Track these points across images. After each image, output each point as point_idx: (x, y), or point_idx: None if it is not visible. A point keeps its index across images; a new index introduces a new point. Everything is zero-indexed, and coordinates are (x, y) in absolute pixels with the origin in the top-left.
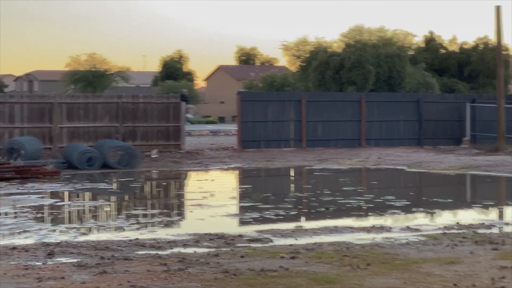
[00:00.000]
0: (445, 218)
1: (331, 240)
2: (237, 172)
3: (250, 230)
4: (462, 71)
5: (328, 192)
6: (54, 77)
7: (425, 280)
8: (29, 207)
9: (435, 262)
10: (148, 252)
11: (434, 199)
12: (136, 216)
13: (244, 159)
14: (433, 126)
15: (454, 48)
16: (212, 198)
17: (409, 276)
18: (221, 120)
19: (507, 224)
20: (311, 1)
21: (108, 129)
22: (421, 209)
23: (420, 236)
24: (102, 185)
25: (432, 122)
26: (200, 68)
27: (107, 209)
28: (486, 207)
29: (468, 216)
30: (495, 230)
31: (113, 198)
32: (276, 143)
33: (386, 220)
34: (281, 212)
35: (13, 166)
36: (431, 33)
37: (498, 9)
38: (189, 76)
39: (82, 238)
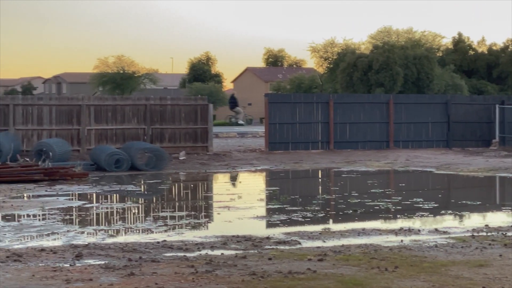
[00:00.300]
0: (474, 220)
1: (359, 242)
2: (264, 174)
3: (278, 232)
4: (491, 72)
5: (356, 194)
6: (82, 79)
7: (454, 283)
8: (58, 209)
9: (464, 265)
10: (176, 254)
11: (463, 202)
12: (164, 218)
13: (272, 161)
14: (461, 128)
15: (483, 49)
16: (240, 200)
17: (438, 279)
18: (249, 122)
19: None
20: (338, 2)
21: (136, 131)
22: (450, 211)
23: (449, 238)
24: (130, 187)
25: (460, 124)
26: (228, 70)
27: (135, 211)
28: None
29: (497, 218)
30: None
31: (140, 200)
32: (303, 145)
33: (414, 223)
34: (309, 214)
35: (42, 168)
36: (459, 34)
37: None
38: (216, 78)
39: (110, 240)
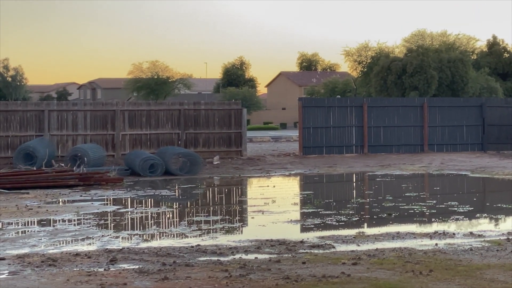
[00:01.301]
0: (509, 224)
1: (393, 246)
2: (298, 178)
3: (312, 236)
4: None
5: (390, 198)
6: (117, 85)
7: (489, 286)
8: (92, 213)
9: (499, 268)
10: (210, 258)
11: (498, 205)
12: (198, 222)
13: (306, 165)
14: (496, 131)
15: None
16: (274, 204)
17: (473, 283)
18: (283, 126)
19: None
20: (372, 6)
21: (170, 136)
22: (485, 215)
23: (484, 242)
24: (164, 192)
25: (495, 127)
26: (262, 75)
27: (169, 215)
28: None
29: None
30: None
31: (175, 204)
32: (337, 149)
33: (449, 226)
34: (343, 218)
35: (76, 173)
36: (494, 37)
37: None
38: (250, 83)
39: (144, 245)
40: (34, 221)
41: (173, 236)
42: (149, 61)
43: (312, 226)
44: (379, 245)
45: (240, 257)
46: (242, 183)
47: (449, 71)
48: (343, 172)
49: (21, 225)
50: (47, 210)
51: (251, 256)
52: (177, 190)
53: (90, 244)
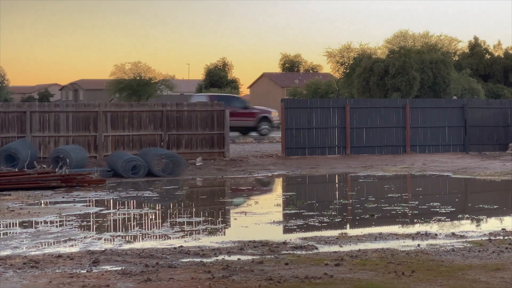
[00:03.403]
0: (491, 224)
1: (376, 247)
2: (281, 179)
3: (295, 237)
4: (507, 76)
5: (372, 199)
6: (99, 86)
7: (470, 287)
8: (75, 215)
9: (480, 269)
10: (193, 259)
11: (480, 206)
12: (181, 223)
13: (289, 166)
14: (478, 132)
15: (499, 53)
16: (257, 205)
17: (455, 283)
18: None
19: None
20: (354, 7)
21: (152, 137)
22: (467, 215)
23: (466, 242)
24: (147, 193)
25: (477, 128)
26: (244, 76)
27: (152, 217)
28: None
29: None
30: None
31: (157, 206)
32: (320, 150)
33: (431, 227)
34: (326, 219)
35: (59, 174)
36: (475, 38)
37: None
38: (233, 84)
39: (126, 246)
40: (16, 223)
41: (156, 238)
42: (131, 62)
43: (294, 227)
44: (362, 246)
45: (223, 258)
46: (225, 185)
47: (431, 72)
48: (325, 173)
49: (3, 227)
50: (29, 211)
51: (234, 257)
52: (159, 192)
53: (72, 245)
